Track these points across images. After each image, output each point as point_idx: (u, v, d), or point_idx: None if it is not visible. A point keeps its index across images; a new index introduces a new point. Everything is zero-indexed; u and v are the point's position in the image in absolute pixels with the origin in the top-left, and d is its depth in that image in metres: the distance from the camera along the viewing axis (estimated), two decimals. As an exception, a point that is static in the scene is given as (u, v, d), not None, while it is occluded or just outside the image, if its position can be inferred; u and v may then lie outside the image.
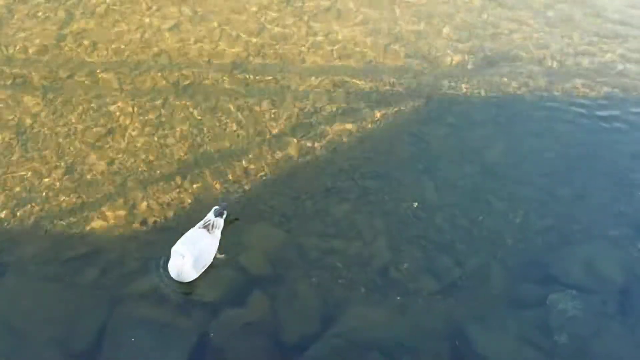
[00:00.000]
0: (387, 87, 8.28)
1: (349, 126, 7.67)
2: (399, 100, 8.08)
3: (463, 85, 8.32)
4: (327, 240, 6.41)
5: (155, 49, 8.67)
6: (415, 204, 6.72)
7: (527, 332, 5.58)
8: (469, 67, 8.65)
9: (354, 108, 7.94)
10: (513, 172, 7.17)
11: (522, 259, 6.26)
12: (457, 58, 8.78)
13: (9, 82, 8.07)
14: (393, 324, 5.74)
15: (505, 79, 8.43)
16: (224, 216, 6.22)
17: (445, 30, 9.31)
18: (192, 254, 5.65)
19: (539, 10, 9.81)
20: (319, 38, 9.01)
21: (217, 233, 6.08)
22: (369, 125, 7.72)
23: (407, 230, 6.54)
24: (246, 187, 6.88)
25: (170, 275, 5.75)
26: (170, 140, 7.39)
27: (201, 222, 6.07)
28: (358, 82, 8.32)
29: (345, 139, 7.52)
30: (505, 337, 5.57)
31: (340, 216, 6.66)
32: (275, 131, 7.56)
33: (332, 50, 8.80)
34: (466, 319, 5.74)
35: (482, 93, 8.23)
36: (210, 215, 6.15)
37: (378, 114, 7.86)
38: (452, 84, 8.34)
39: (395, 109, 7.95)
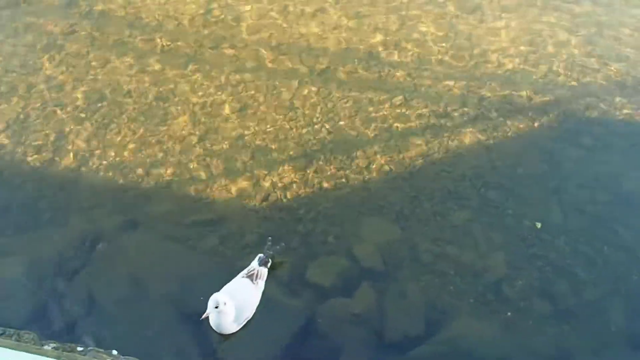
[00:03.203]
0: (523, 99, 8.00)
1: (478, 133, 7.51)
2: (534, 113, 7.80)
3: (606, 106, 7.89)
4: (441, 245, 6.34)
5: (296, 33, 8.86)
6: (539, 225, 6.48)
7: (646, 377, 5.29)
8: (616, 86, 8.17)
9: (485, 116, 7.75)
10: (649, 205, 6.76)
11: (648, 298, 5.90)
12: (602, 76, 8.32)
13: (157, 48, 8.53)
14: (500, 340, 5.60)
15: (656, 105, 7.92)
16: (269, 265, 5.82)
17: (594, 45, 8.85)
18: (235, 308, 5.34)
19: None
20: (458, 40, 8.84)
21: (261, 284, 5.69)
22: (499, 136, 7.51)
23: (526, 248, 6.33)
24: (368, 180, 6.92)
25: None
26: (300, 123, 7.55)
27: (245, 271, 5.71)
28: (493, 90, 8.11)
29: (472, 146, 7.36)
30: (621, 377, 5.30)
31: (458, 223, 6.55)
32: (403, 128, 7.53)
33: (470, 54, 8.61)
34: (578, 349, 5.49)
35: (627, 116, 7.76)
36: (254, 264, 5.76)
37: (510, 125, 7.63)
38: (594, 102, 7.93)
39: (529, 123, 7.68)
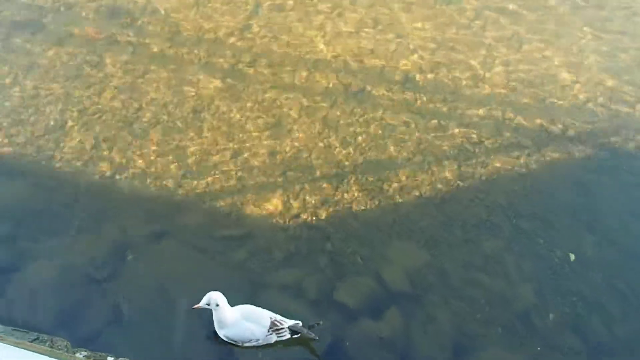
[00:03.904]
0: (559, 129, 7.93)
1: (512, 161, 7.44)
2: (570, 144, 7.72)
3: (644, 139, 7.81)
4: (472, 272, 6.28)
5: (332, 52, 8.89)
6: (573, 257, 6.38)
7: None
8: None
9: (520, 144, 7.69)
10: (686, 242, 6.61)
11: (683, 338, 5.76)
12: (642, 109, 8.24)
13: (196, 61, 8.63)
14: (528, 374, 5.52)
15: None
16: (295, 335, 5.51)
17: (635, 76, 8.73)
18: (234, 322, 5.41)
19: None
20: (497, 67, 8.80)
21: (273, 338, 5.48)
22: (534, 165, 7.43)
23: (557, 280, 6.24)
24: (399, 203, 6.88)
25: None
26: (333, 142, 7.55)
27: (277, 316, 5.52)
28: (529, 118, 8.04)
29: (506, 174, 7.30)
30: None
31: (489, 251, 6.48)
32: (436, 153, 7.49)
33: (507, 82, 8.56)
34: (609, 387, 5.39)
35: (665, 152, 7.67)
36: (287, 323, 5.50)
37: (545, 155, 7.56)
38: (632, 135, 7.84)
39: (564, 153, 7.60)
